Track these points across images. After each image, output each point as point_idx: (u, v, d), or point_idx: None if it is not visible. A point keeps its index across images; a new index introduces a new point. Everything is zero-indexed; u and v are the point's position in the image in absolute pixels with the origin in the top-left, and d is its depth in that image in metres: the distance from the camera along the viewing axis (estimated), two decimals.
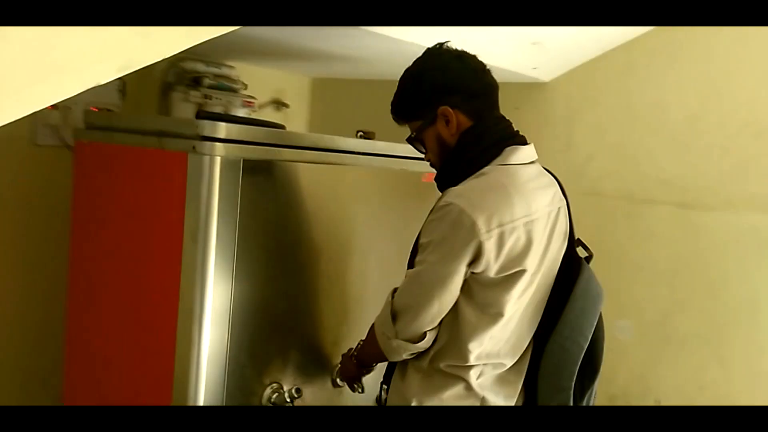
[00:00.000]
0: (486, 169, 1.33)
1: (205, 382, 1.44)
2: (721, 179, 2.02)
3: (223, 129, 1.39)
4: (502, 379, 1.39)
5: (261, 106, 2.66)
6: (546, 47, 1.98)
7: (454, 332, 1.32)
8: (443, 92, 1.37)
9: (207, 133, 1.38)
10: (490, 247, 1.24)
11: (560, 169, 1.51)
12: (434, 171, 1.45)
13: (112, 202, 1.64)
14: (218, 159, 1.38)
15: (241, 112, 2.42)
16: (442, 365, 1.34)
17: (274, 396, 1.58)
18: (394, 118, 1.48)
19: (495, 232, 1.24)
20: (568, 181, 1.49)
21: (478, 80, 1.40)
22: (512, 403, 1.40)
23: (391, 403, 1.44)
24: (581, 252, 1.49)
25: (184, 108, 2.28)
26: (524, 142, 1.40)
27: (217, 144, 1.38)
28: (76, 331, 1.78)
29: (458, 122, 1.37)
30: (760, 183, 1.95)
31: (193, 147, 1.39)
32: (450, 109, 1.36)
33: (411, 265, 1.39)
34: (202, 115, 1.56)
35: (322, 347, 1.74)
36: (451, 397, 1.35)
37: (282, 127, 1.69)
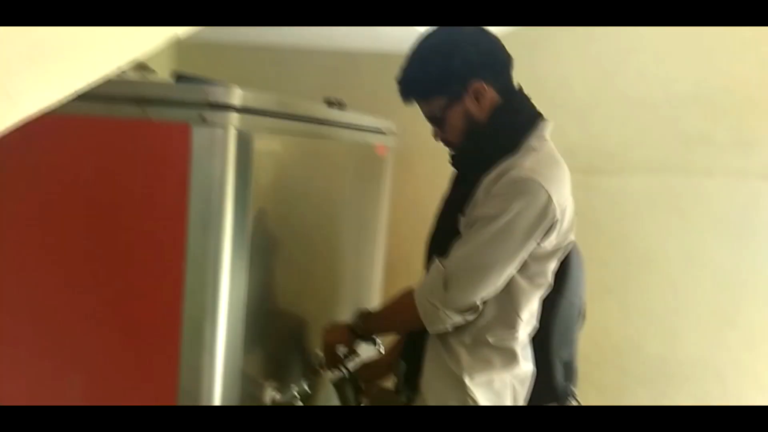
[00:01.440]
0: (534, 144, 1.30)
1: (221, 394, 1.23)
2: (621, 147, 2.27)
3: (238, 95, 1.17)
4: (526, 342, 1.41)
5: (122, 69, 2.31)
6: None
7: (504, 304, 1.30)
8: (476, 67, 1.31)
9: (220, 99, 1.16)
10: (557, 222, 1.25)
11: None
12: (385, 145, 1.35)
13: (59, 188, 1.30)
14: (232, 131, 1.17)
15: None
16: (490, 339, 1.32)
17: (278, 396, 1.42)
18: (404, 97, 1.37)
19: (560, 208, 1.25)
20: None
21: (504, 53, 1.36)
22: (532, 363, 1.42)
23: (428, 377, 1.37)
24: None
25: None
26: (543, 116, 1.41)
27: (232, 113, 1.17)
28: None
29: (490, 98, 1.33)
30: (653, 149, 2.24)
31: (202, 117, 1.15)
32: (484, 85, 1.31)
33: (443, 238, 1.33)
34: (180, 77, 1.30)
35: (309, 334, 1.60)
36: (499, 368, 1.34)
37: None
